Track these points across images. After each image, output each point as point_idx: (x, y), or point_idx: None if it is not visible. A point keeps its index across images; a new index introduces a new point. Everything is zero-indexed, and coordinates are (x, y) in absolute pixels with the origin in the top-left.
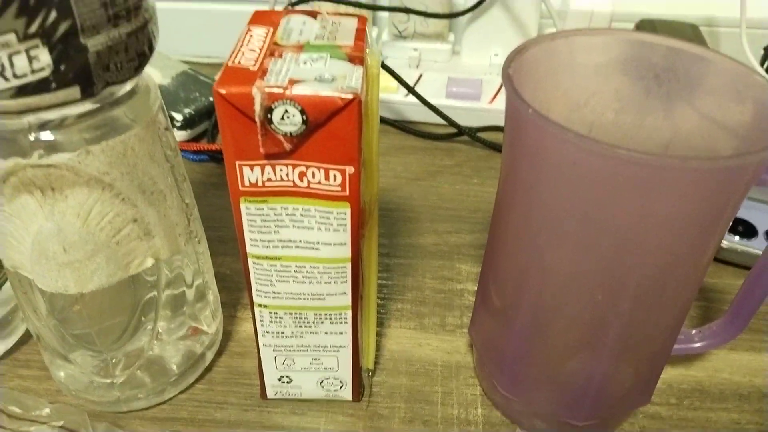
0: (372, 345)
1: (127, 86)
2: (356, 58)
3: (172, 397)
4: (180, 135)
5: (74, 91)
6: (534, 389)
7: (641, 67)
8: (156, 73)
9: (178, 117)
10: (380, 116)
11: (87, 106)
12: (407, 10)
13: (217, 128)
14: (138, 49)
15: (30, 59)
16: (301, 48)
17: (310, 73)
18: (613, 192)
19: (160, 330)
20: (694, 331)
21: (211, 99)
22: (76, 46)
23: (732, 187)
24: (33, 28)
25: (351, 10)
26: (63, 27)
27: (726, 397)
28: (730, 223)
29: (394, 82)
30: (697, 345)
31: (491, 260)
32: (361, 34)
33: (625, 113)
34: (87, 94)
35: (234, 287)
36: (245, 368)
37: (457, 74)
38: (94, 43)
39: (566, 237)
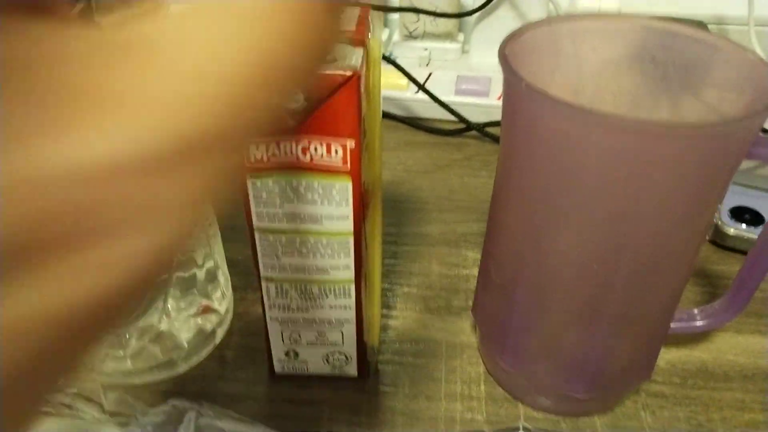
0: (377, 323)
1: None
2: (357, 41)
3: (183, 373)
4: None
5: None
6: (535, 363)
7: (639, 50)
8: None
9: None
10: (390, 113)
11: None
12: (417, 10)
13: None
14: None
15: None
16: None
17: None
18: (604, 161)
19: (169, 308)
20: (696, 310)
21: None
22: None
23: (720, 154)
24: None
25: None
26: None
27: (730, 377)
28: (724, 195)
29: (405, 80)
30: (699, 323)
31: (491, 239)
32: (362, 20)
33: (622, 96)
34: None
35: (245, 272)
36: (255, 347)
37: (467, 72)
38: None
39: (561, 209)
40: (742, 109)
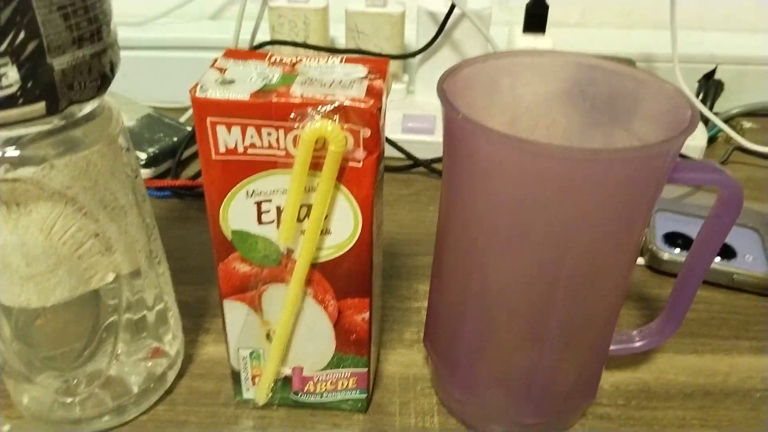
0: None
1: (90, 106)
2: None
3: (133, 418)
4: (144, 173)
5: (40, 107)
6: (486, 390)
7: (570, 84)
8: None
9: (143, 156)
10: None
11: (52, 123)
12: (362, 52)
13: (179, 166)
14: (100, 70)
15: None
16: None
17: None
18: (537, 186)
19: (119, 351)
20: (634, 332)
21: (175, 139)
22: (43, 64)
23: (642, 178)
24: (2, 47)
25: (309, 53)
26: (31, 46)
27: (671, 396)
28: (650, 216)
29: None
30: (638, 344)
31: (438, 269)
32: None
33: (556, 128)
34: (52, 110)
35: (195, 314)
36: (206, 389)
37: (412, 111)
38: (59, 62)
39: (500, 234)
40: (663, 136)
